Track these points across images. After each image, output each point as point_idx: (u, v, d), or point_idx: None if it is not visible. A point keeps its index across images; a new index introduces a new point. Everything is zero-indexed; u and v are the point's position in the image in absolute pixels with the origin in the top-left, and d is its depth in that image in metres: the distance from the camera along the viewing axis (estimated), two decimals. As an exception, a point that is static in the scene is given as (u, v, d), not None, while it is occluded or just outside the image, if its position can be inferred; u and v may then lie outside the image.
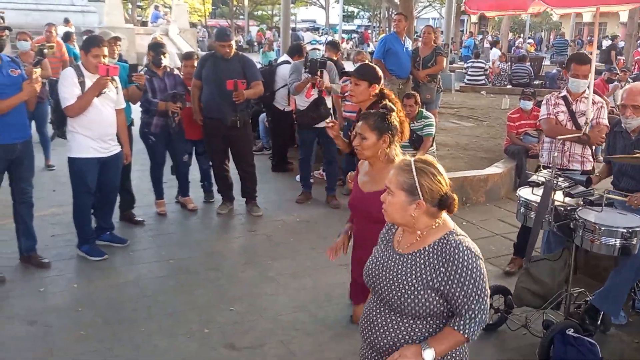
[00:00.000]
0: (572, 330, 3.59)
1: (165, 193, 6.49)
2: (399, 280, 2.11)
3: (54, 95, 4.89)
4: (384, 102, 3.66)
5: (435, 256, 2.08)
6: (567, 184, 3.98)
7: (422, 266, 2.09)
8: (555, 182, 3.81)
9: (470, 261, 2.04)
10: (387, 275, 2.15)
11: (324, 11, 43.39)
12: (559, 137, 4.44)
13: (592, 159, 4.83)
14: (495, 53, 19.94)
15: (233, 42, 6.08)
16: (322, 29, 40.92)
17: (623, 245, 3.54)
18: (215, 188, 6.73)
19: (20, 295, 4.45)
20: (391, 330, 2.14)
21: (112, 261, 5.11)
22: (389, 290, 2.13)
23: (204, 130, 6.23)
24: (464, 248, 2.05)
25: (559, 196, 3.88)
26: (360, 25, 49.82)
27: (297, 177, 7.47)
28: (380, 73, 4.07)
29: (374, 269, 2.23)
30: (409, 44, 8.64)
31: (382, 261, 2.22)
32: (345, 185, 7.18)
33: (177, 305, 4.37)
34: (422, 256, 2.11)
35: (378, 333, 2.17)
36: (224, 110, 5.92)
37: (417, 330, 2.12)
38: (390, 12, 36.31)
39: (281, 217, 6.36)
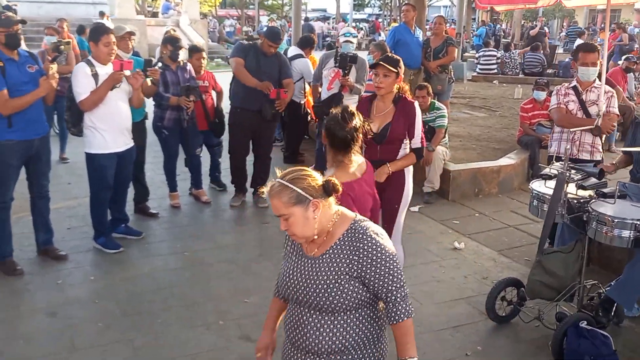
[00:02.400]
0: (586, 322, 3.61)
1: (179, 186, 6.55)
2: (322, 283, 2.14)
3: (68, 93, 4.91)
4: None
5: (346, 247, 2.15)
6: (580, 176, 3.99)
7: (338, 261, 2.14)
8: (567, 174, 3.81)
9: (377, 245, 2.13)
10: (309, 281, 2.17)
11: (335, 0, 43.15)
12: (572, 129, 4.43)
13: (601, 149, 4.84)
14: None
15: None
16: (333, 18, 40.74)
17: (636, 237, 3.54)
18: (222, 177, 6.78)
19: (39, 287, 4.53)
20: (322, 330, 2.16)
21: (128, 253, 5.19)
22: (314, 295, 2.14)
23: (234, 119, 6.24)
24: (371, 232, 2.15)
25: (571, 188, 3.89)
26: (372, 14, 49.50)
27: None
28: (403, 65, 4.09)
29: (292, 280, 2.23)
30: (419, 34, 8.60)
31: (299, 270, 2.23)
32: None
33: (193, 297, 4.44)
34: (335, 252, 2.16)
35: (308, 336, 2.18)
36: (264, 103, 5.98)
37: (350, 322, 2.16)
38: (401, 1, 36.07)
39: (294, 209, 6.38)
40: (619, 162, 4.56)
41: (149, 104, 6.02)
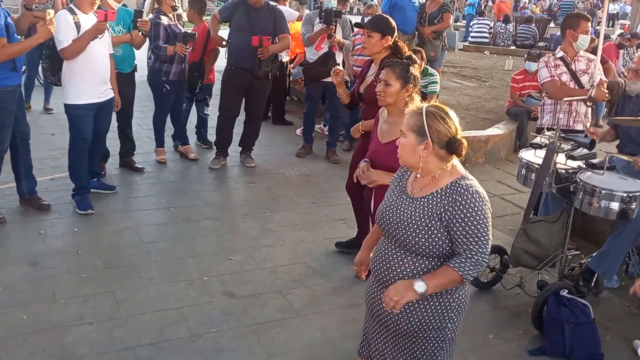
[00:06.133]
0: (566, 291, 3.65)
1: (165, 142, 6.46)
2: (413, 222, 2.21)
3: (47, 41, 4.78)
4: (407, 53, 3.81)
5: (446, 198, 2.18)
6: (570, 146, 3.99)
7: (434, 208, 2.19)
8: (558, 144, 3.81)
9: (476, 204, 2.15)
10: (402, 218, 2.25)
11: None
12: (568, 98, 4.41)
13: (590, 118, 4.89)
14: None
15: None
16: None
17: (622, 210, 3.56)
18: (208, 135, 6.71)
19: (21, 237, 4.48)
20: (403, 268, 2.26)
21: (112, 207, 5.14)
22: (404, 232, 2.23)
23: (227, 78, 6.11)
24: (473, 192, 2.16)
25: (560, 158, 3.89)
26: (365, -21, 48.78)
27: (298, 131, 7.45)
28: (394, 24, 4.04)
29: (387, 213, 2.32)
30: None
31: (396, 205, 2.31)
32: (346, 141, 7.18)
33: (176, 253, 4.42)
34: (435, 199, 2.21)
35: (391, 271, 2.29)
36: (256, 61, 5.82)
37: (430, 268, 2.23)
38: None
39: (281, 170, 6.37)
40: (605, 134, 4.51)
41: (139, 55, 5.89)
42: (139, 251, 4.41)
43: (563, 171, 3.85)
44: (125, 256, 4.33)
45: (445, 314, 2.28)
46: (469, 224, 2.14)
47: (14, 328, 3.40)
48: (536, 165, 3.92)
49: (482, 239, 2.16)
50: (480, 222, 2.15)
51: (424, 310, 2.25)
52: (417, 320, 2.26)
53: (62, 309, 3.62)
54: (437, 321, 2.27)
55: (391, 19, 4.08)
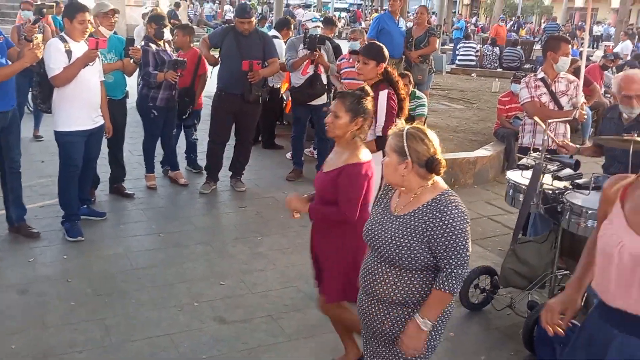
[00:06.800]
0: (556, 311, 3.66)
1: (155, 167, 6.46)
2: (396, 239, 2.35)
3: (38, 68, 4.81)
4: (396, 78, 4.00)
5: (427, 214, 2.32)
6: (556, 167, 4.04)
7: (416, 225, 2.33)
8: (544, 165, 3.86)
9: (455, 219, 2.27)
10: (386, 235, 2.39)
11: (317, -12, 42.92)
12: (552, 120, 4.49)
13: (569, 138, 4.94)
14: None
15: (254, 19, 6.06)
16: (314, 7, 40.49)
17: (609, 229, 3.60)
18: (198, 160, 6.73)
19: (11, 265, 4.45)
20: (388, 280, 2.40)
21: (102, 233, 5.12)
22: (387, 247, 2.37)
23: (217, 103, 6.16)
24: (452, 207, 2.30)
25: (547, 179, 3.94)
26: (353, 4, 49.30)
27: (288, 155, 7.48)
28: (387, 53, 4.16)
29: (372, 230, 2.48)
30: (402, 24, 8.62)
31: (380, 223, 2.46)
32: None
33: (167, 278, 4.41)
34: (417, 215, 2.35)
35: (376, 282, 2.43)
36: (247, 85, 5.89)
37: (413, 280, 2.37)
38: (383, -9, 35.99)
39: (271, 194, 6.39)
40: (585, 149, 4.52)
41: (130, 82, 5.94)
42: (129, 277, 4.39)
43: (550, 192, 3.89)
44: (115, 282, 4.31)
45: None
46: (448, 238, 2.26)
47: (3, 357, 3.36)
48: (523, 186, 3.97)
49: (461, 252, 2.28)
50: (459, 235, 2.27)
51: (408, 318, 2.39)
52: (403, 328, 2.40)
53: (52, 336, 3.59)
54: None
55: (384, 47, 4.20)
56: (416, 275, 2.36)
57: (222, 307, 4.04)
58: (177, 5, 10.66)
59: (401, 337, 2.36)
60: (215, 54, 6.26)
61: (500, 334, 3.97)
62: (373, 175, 3.14)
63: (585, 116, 4.73)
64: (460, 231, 2.27)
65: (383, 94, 4.09)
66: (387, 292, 2.40)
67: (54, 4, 5.87)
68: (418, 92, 6.74)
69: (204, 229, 5.40)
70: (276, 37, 7.91)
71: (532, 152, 4.29)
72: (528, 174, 3.99)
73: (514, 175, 4.19)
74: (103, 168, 5.95)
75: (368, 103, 3.13)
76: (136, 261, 4.66)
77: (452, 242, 2.27)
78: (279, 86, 8.00)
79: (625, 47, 17.56)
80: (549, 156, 4.03)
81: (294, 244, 5.13)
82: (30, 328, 3.66)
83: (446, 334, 3.88)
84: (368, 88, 3.23)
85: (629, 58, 12.36)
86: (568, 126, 4.96)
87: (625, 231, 2.07)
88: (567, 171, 4.01)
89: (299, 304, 4.17)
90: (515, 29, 30.60)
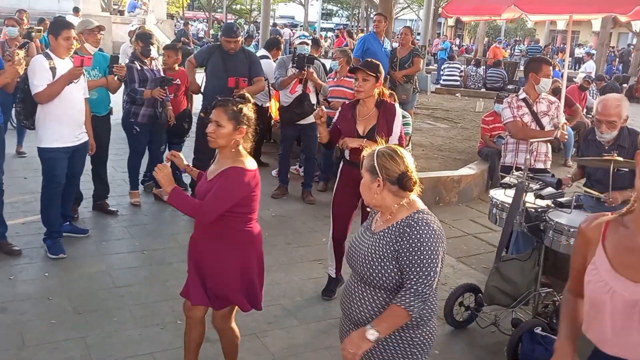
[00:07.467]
0: (540, 328, 3.68)
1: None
2: (369, 256, 2.36)
3: (22, 85, 4.78)
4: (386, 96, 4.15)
5: (397, 231, 2.33)
6: (538, 185, 4.08)
7: (387, 241, 2.34)
8: (527, 184, 3.91)
9: (423, 236, 2.26)
10: (362, 253, 2.41)
11: (303, 8, 43.34)
12: (534, 140, 4.55)
13: (550, 157, 5.07)
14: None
15: (240, 39, 6.08)
16: (301, 26, 40.87)
17: (591, 247, 3.63)
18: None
19: (-10, 282, 4.38)
20: (365, 302, 2.38)
21: (84, 251, 5.06)
22: (362, 265, 2.38)
23: (203, 121, 6.12)
24: (423, 224, 2.30)
25: (530, 198, 3.98)
26: (339, 24, 49.84)
27: (273, 172, 7.48)
28: (383, 70, 4.25)
29: (352, 249, 2.49)
30: (387, 45, 8.72)
31: (360, 241, 2.48)
32: (321, 182, 7.24)
33: (149, 296, 4.36)
34: (389, 232, 2.35)
35: (353, 304, 2.42)
36: None
37: (386, 300, 2.34)
38: (369, 12, 36.43)
39: (256, 212, 6.35)
40: (574, 175, 4.71)
41: (115, 99, 5.92)
42: (111, 295, 4.34)
43: (532, 210, 3.93)
44: (97, 300, 4.25)
45: (409, 350, 2.35)
46: (413, 254, 2.25)
47: (-20, 377, 3.30)
48: (506, 205, 4.01)
49: (424, 269, 2.24)
50: (427, 253, 2.25)
51: (388, 347, 2.35)
52: (381, 357, 2.36)
53: (30, 356, 3.53)
54: (401, 357, 2.35)
55: (381, 65, 4.26)
56: (390, 295, 2.32)
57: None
58: (186, 24, 10.76)
59: (344, 341, 2.32)
60: (201, 73, 6.27)
61: (485, 352, 3.96)
62: (258, 186, 3.01)
63: (567, 136, 4.83)
64: (427, 249, 2.25)
65: (398, 107, 4.32)
66: (362, 313, 2.38)
67: (41, 29, 5.88)
68: (403, 112, 6.77)
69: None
70: (266, 56, 7.95)
71: (514, 170, 4.34)
72: (511, 192, 4.03)
73: (497, 194, 4.23)
74: (86, 185, 5.90)
75: (249, 110, 3.01)
76: (119, 279, 4.61)
77: (417, 258, 2.24)
78: (267, 105, 8.04)
79: (588, 66, 18.71)
80: (531, 175, 4.08)
81: (278, 261, 5.10)
82: (10, 348, 3.59)
83: (431, 352, 3.88)
84: (249, 95, 3.10)
85: (593, 76, 12.86)
86: (549, 146, 5.05)
87: (613, 277, 1.91)
88: (549, 190, 4.05)
89: (283, 321, 4.14)
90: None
